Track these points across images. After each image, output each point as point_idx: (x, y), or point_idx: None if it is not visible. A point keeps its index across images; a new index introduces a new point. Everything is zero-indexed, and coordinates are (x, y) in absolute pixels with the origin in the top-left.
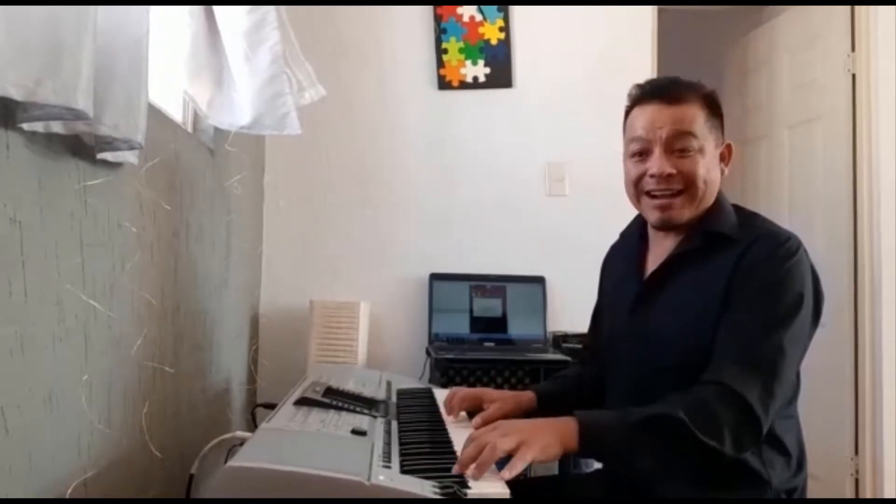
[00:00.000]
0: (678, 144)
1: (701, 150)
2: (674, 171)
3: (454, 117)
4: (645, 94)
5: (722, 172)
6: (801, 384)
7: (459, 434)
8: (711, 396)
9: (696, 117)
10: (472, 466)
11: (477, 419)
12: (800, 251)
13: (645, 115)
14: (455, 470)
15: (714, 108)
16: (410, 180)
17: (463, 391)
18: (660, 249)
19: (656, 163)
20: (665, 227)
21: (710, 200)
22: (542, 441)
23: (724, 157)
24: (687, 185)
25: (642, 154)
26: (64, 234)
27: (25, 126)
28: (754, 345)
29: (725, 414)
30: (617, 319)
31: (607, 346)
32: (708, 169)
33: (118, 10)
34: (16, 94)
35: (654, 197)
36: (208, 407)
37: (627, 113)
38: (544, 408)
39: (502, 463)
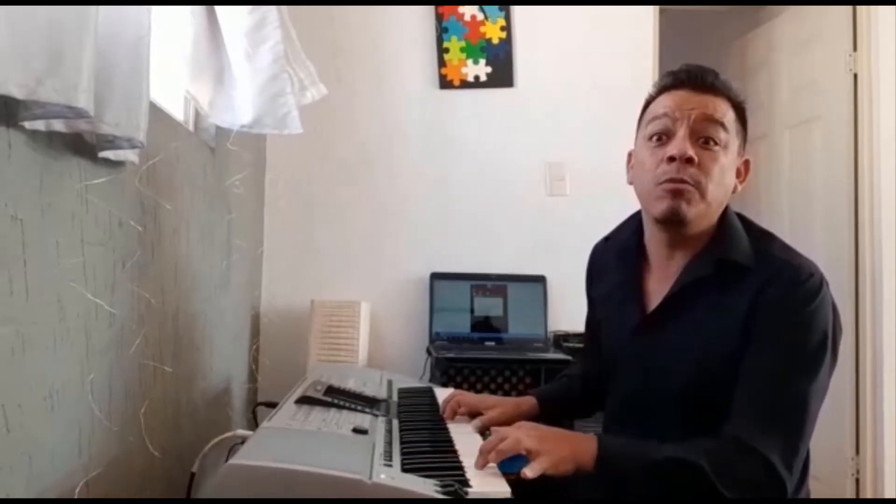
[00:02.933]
0: (705, 131)
1: (726, 148)
2: (695, 158)
3: (455, 116)
4: (675, 80)
5: (735, 188)
6: None
7: (460, 433)
8: (734, 455)
9: (727, 112)
10: (492, 453)
11: (477, 421)
12: (822, 289)
13: (672, 97)
14: (477, 464)
15: (742, 114)
16: (411, 179)
17: (458, 399)
18: (662, 270)
19: (679, 144)
20: (671, 219)
21: (716, 210)
22: (558, 455)
23: (741, 173)
24: (702, 179)
25: (661, 137)
26: (65, 233)
27: (27, 124)
28: (777, 397)
29: (748, 476)
30: (615, 343)
31: (608, 362)
32: (725, 172)
33: (120, 9)
34: (17, 92)
35: (664, 183)
36: (209, 406)
37: (649, 102)
38: (547, 413)
39: (508, 464)
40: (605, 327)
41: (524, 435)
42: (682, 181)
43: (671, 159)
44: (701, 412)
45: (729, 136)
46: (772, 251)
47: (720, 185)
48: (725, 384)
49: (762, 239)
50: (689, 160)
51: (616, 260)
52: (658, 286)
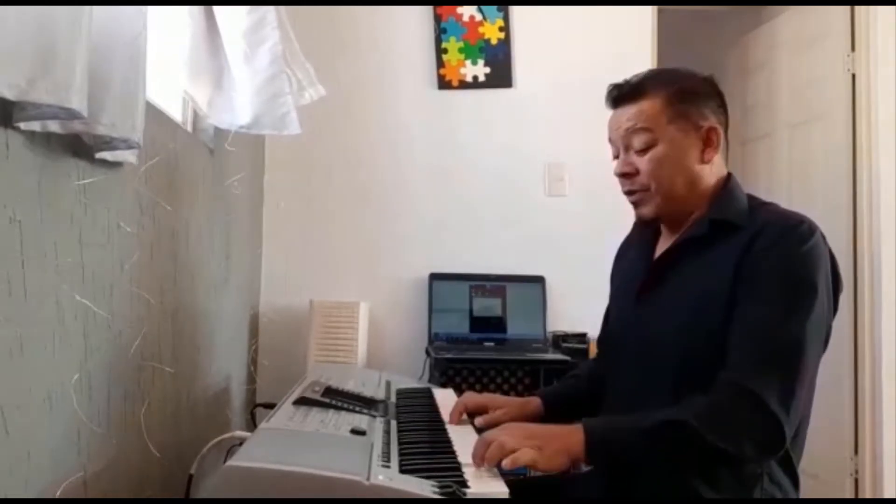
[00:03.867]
0: (635, 143)
1: (660, 142)
2: (630, 170)
3: (454, 117)
4: (608, 103)
5: (704, 157)
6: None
7: (459, 434)
8: (728, 400)
9: (652, 108)
10: (479, 461)
11: (479, 419)
12: (814, 236)
13: (610, 121)
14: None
15: (685, 94)
16: (410, 180)
17: (464, 402)
18: (670, 238)
19: (617, 165)
20: (643, 223)
21: (694, 190)
22: (549, 451)
23: (712, 141)
24: (648, 182)
25: (615, 158)
26: (63, 234)
27: (23, 125)
28: (769, 339)
29: (744, 418)
30: (622, 307)
31: (613, 333)
32: (672, 161)
33: (115, 9)
34: (9, 93)
35: (625, 195)
36: (208, 407)
37: None
38: (553, 414)
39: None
40: (615, 301)
41: (509, 437)
42: (631, 192)
43: (617, 176)
44: (699, 374)
45: (656, 132)
46: (767, 208)
47: (673, 174)
48: (722, 341)
49: (761, 204)
50: (626, 175)
51: (638, 240)
52: (664, 249)
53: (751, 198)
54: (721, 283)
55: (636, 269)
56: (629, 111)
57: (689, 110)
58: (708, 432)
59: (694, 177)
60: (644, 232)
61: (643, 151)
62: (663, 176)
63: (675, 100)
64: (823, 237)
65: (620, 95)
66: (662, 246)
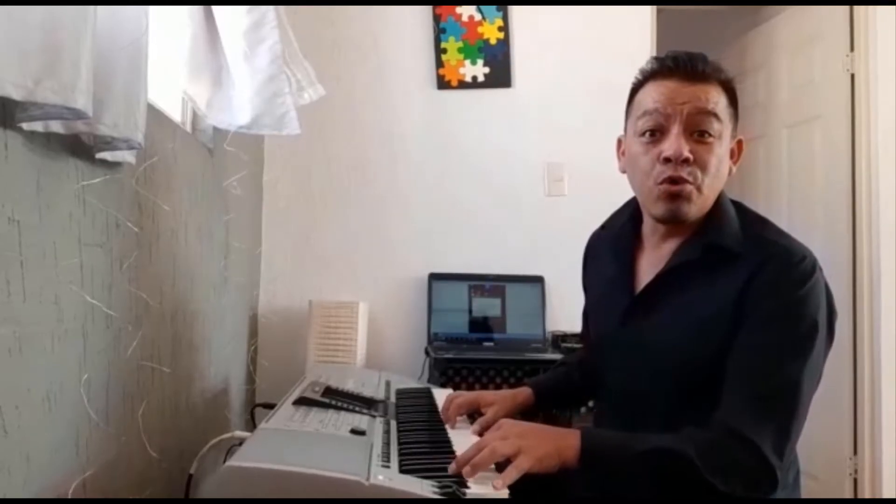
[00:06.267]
0: (700, 125)
1: (720, 137)
2: (690, 157)
3: (453, 117)
4: (662, 68)
5: (730, 171)
6: None
7: (458, 434)
8: (724, 442)
9: (720, 100)
10: (468, 467)
11: (475, 426)
12: (815, 272)
13: (662, 90)
14: (451, 469)
15: (733, 96)
16: (409, 180)
17: (459, 399)
18: (655, 254)
19: (673, 143)
20: (671, 220)
21: (712, 199)
22: (541, 451)
23: (734, 153)
24: (702, 178)
25: (654, 133)
26: (62, 234)
27: (25, 126)
28: (768, 380)
29: (738, 462)
30: (606, 328)
31: (596, 354)
32: (721, 162)
33: (117, 9)
34: (15, 93)
35: (662, 183)
36: (207, 407)
37: (636, 90)
38: (544, 403)
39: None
40: (595, 315)
41: (500, 441)
42: (680, 181)
43: (667, 160)
44: (691, 399)
45: (722, 125)
46: (764, 235)
47: (716, 177)
48: (715, 369)
49: (755, 224)
50: (685, 161)
51: (610, 248)
52: (649, 270)
53: (740, 212)
54: (720, 313)
55: (618, 286)
56: (695, 89)
57: (735, 114)
58: (703, 468)
59: (720, 186)
60: (622, 236)
61: (703, 142)
62: (714, 177)
63: (732, 99)
64: (821, 271)
65: (694, 68)
66: (648, 260)
